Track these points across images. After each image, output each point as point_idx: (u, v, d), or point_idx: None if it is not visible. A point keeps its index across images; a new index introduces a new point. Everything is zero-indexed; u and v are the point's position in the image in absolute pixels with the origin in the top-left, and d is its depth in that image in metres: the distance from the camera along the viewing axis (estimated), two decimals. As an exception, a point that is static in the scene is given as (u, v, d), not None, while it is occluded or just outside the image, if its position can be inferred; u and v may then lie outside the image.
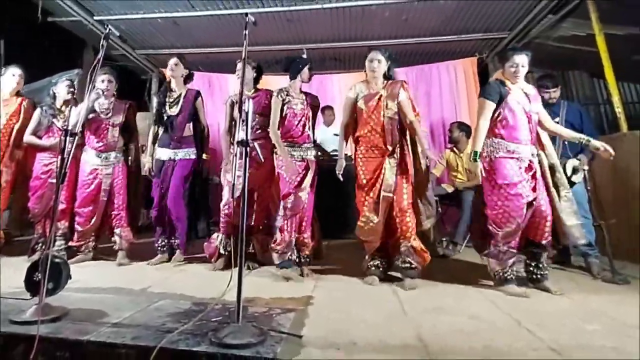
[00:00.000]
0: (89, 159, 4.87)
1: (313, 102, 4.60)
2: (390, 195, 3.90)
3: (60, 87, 5.10)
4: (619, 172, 5.17)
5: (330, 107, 7.83)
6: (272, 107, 4.39)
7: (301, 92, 4.55)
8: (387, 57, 4.09)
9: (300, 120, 4.43)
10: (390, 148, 3.94)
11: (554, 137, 4.08)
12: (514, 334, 2.62)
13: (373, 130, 3.99)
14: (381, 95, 4.01)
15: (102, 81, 4.85)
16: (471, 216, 5.78)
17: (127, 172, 5.05)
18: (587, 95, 9.06)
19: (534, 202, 3.56)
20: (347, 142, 4.42)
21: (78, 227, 4.81)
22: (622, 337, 2.55)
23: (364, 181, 3.99)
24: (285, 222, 4.29)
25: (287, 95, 4.42)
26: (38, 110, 5.05)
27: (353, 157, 4.24)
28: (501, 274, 3.64)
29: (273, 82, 6.75)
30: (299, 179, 4.31)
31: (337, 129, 7.18)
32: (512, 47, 4.29)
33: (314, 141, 4.75)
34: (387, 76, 4.14)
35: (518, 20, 7.11)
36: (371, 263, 4.07)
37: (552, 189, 3.67)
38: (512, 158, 3.62)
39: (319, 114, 7.61)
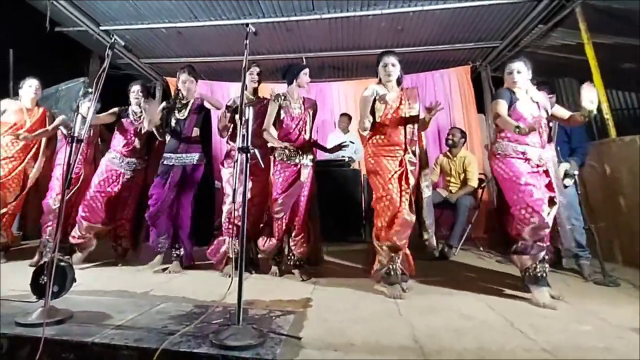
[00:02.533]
0: (111, 161, 4.90)
1: (311, 107, 4.56)
2: (412, 196, 3.81)
3: (84, 106, 5.10)
4: (608, 176, 5.16)
5: (347, 115, 7.81)
6: (268, 110, 4.36)
7: (299, 97, 4.51)
8: (399, 61, 4.05)
9: (298, 124, 4.40)
10: (409, 149, 3.86)
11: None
12: (507, 334, 2.60)
13: (394, 129, 3.88)
14: (402, 97, 3.96)
15: (134, 92, 4.98)
16: (468, 222, 5.84)
17: (144, 180, 5.05)
18: (576, 102, 9.00)
19: (555, 201, 3.49)
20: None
21: (83, 222, 4.74)
22: (613, 338, 2.53)
23: (388, 175, 3.78)
24: (274, 224, 4.27)
25: (284, 100, 4.39)
26: (62, 117, 5.14)
27: (366, 159, 4.05)
28: (533, 270, 3.46)
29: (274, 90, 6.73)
30: (289, 182, 4.27)
31: (352, 136, 7.22)
32: (512, 56, 4.22)
33: (316, 144, 4.74)
34: (398, 81, 4.07)
35: (510, 30, 7.12)
36: (391, 267, 3.74)
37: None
38: (520, 158, 3.56)
39: (338, 119, 7.62)
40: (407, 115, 3.90)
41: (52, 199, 4.92)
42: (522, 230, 3.45)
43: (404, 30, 7.24)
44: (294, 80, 4.43)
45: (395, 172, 3.78)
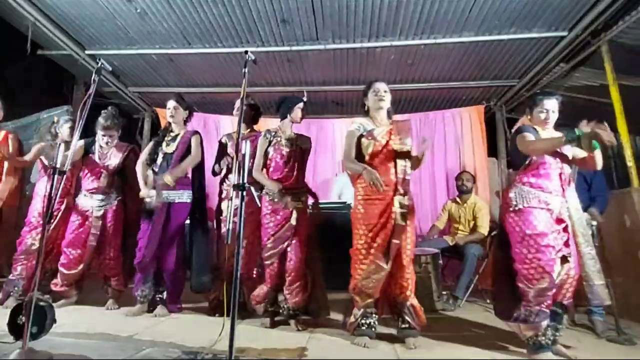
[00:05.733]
0: (81, 201, 4.89)
1: (303, 145, 4.53)
2: (398, 242, 3.71)
3: (64, 128, 5.17)
4: (628, 228, 5.12)
5: None
6: (258, 147, 4.36)
7: (292, 133, 4.50)
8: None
9: (288, 163, 4.36)
10: (400, 189, 3.78)
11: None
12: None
13: (382, 165, 3.82)
14: (391, 130, 3.92)
15: (104, 136, 4.90)
16: (476, 272, 5.74)
17: (123, 216, 5.01)
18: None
19: (568, 259, 3.42)
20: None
21: (62, 270, 4.75)
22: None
23: (371, 223, 3.75)
24: (266, 270, 4.26)
25: (274, 136, 4.40)
26: (41, 144, 5.13)
27: (354, 200, 4.03)
28: (535, 339, 3.40)
29: (272, 124, 6.70)
30: (279, 225, 4.24)
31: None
32: (542, 92, 4.13)
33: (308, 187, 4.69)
34: (388, 115, 4.09)
35: (528, 69, 7.14)
36: (363, 321, 3.77)
37: (579, 246, 3.54)
38: (542, 209, 3.47)
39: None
40: (399, 152, 3.86)
41: (31, 238, 4.85)
42: (527, 292, 3.39)
43: (414, 65, 7.26)
44: (288, 115, 4.44)
45: (382, 218, 3.75)
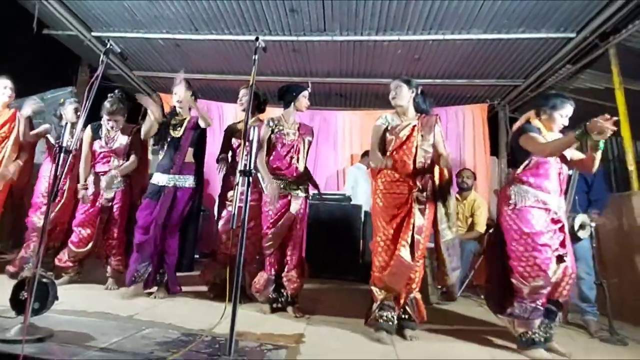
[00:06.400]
0: (93, 182, 4.89)
1: (306, 134, 4.53)
2: (419, 237, 3.69)
3: (69, 109, 5.15)
4: (625, 230, 5.16)
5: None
6: (260, 134, 4.29)
7: (295, 122, 4.50)
8: (411, 85, 3.97)
9: (289, 152, 4.37)
10: (419, 184, 3.76)
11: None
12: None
13: (403, 162, 3.80)
14: (414, 126, 3.86)
15: (109, 121, 4.90)
16: (471, 268, 5.78)
17: (129, 198, 5.04)
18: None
19: (565, 259, 3.43)
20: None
21: (72, 247, 4.80)
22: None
23: (390, 215, 3.73)
24: (266, 258, 4.26)
25: (276, 124, 4.37)
26: (47, 126, 5.20)
27: (373, 196, 3.96)
28: (528, 335, 3.43)
29: (277, 114, 6.72)
30: (278, 214, 4.22)
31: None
32: (562, 94, 4.03)
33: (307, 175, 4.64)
34: (419, 109, 3.99)
35: (534, 69, 7.14)
36: (382, 313, 3.68)
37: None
38: (540, 208, 3.47)
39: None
40: (421, 149, 3.82)
41: (37, 217, 4.92)
42: (522, 289, 3.42)
43: (421, 60, 7.26)
44: (292, 103, 4.42)
45: (401, 212, 3.72)
